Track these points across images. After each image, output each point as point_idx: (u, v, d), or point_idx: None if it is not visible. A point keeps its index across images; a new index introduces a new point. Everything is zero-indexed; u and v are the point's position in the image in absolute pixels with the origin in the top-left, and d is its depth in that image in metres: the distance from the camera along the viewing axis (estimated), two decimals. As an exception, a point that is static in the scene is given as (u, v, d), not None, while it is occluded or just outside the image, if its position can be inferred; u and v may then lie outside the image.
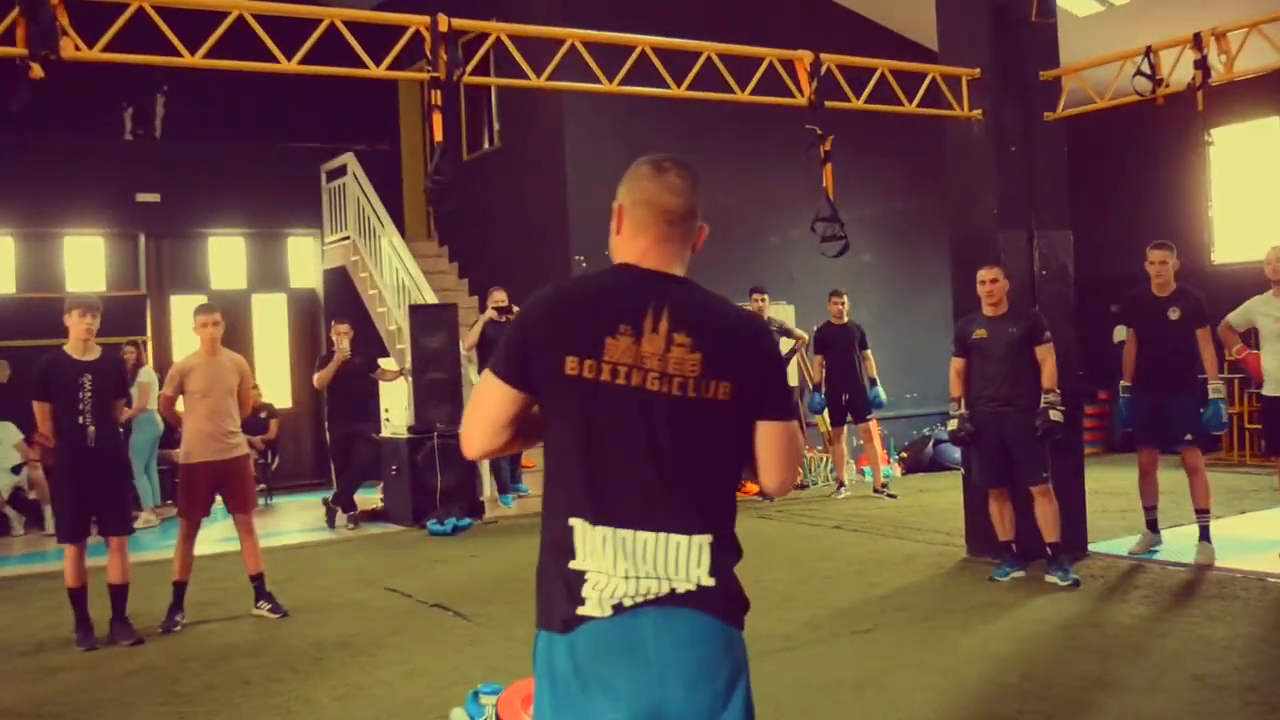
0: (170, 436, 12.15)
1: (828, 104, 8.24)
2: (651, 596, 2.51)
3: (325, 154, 15.81)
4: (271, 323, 16.31)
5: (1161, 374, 8.31)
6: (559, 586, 2.53)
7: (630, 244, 2.68)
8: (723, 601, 2.55)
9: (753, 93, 8.27)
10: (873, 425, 12.76)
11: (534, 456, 13.11)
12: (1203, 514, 8.30)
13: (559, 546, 2.55)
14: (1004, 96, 8.77)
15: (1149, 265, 8.39)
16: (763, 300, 12.27)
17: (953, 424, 8.10)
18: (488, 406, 2.61)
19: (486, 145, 15.43)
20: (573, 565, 2.53)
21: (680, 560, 2.53)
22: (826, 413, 12.82)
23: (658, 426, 2.52)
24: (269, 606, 7.92)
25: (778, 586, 8.11)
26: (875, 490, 12.46)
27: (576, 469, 2.55)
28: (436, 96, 6.92)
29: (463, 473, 11.84)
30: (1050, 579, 7.79)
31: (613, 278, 2.63)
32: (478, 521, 11.68)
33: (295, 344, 16.42)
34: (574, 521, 2.53)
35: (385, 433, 12.25)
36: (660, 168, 2.70)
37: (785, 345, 12.51)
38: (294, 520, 12.94)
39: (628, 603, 2.50)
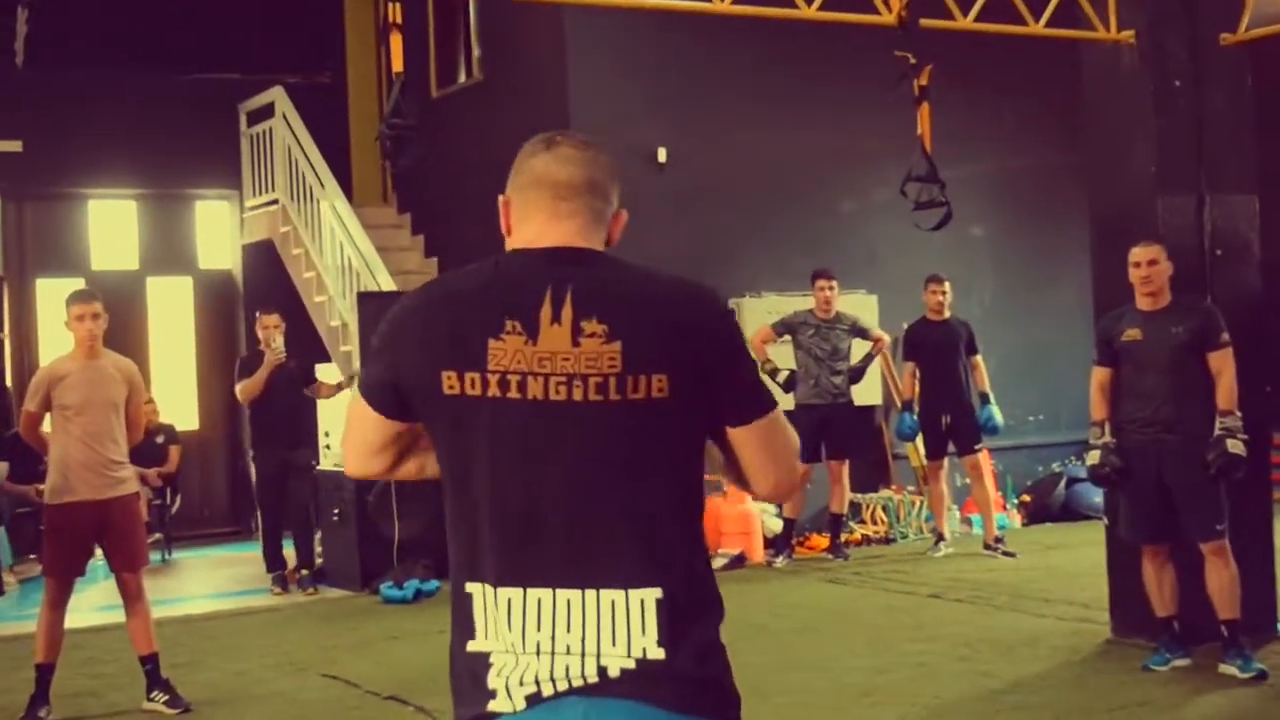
0: (29, 467, 12.17)
1: (924, 23, 8.22)
2: (577, 682, 2.51)
3: (245, 89, 15.86)
4: (172, 315, 16.39)
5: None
6: (464, 677, 2.62)
7: (519, 233, 2.77)
8: (684, 687, 2.53)
9: (822, 8, 8.24)
10: (983, 458, 12.74)
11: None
12: None
13: (459, 622, 2.64)
14: (1166, 12, 8.73)
15: None
16: (830, 288, 12.25)
17: (1093, 457, 8.05)
18: (359, 428, 2.78)
19: (462, 78, 15.45)
20: (472, 647, 2.60)
21: (616, 627, 2.52)
22: (920, 440, 12.79)
23: (570, 445, 2.56)
24: (165, 699, 7.89)
25: (854, 677, 8.08)
26: (986, 547, 12.42)
27: (469, 515, 2.62)
28: (395, 12, 6.93)
29: (429, 520, 11.81)
30: (1226, 669, 7.74)
31: (495, 265, 2.70)
32: (447, 584, 11.65)
33: (204, 344, 16.48)
34: (471, 587, 2.61)
35: (325, 464, 12.27)
36: (550, 141, 2.78)
37: (859, 350, 12.48)
38: (201, 582, 12.95)
39: (547, 690, 2.51)
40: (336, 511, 11.92)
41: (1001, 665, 8.27)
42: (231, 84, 15.97)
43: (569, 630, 2.51)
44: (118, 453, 7.81)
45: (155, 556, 12.39)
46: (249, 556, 12.92)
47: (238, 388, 11.78)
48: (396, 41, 6.97)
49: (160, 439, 14.10)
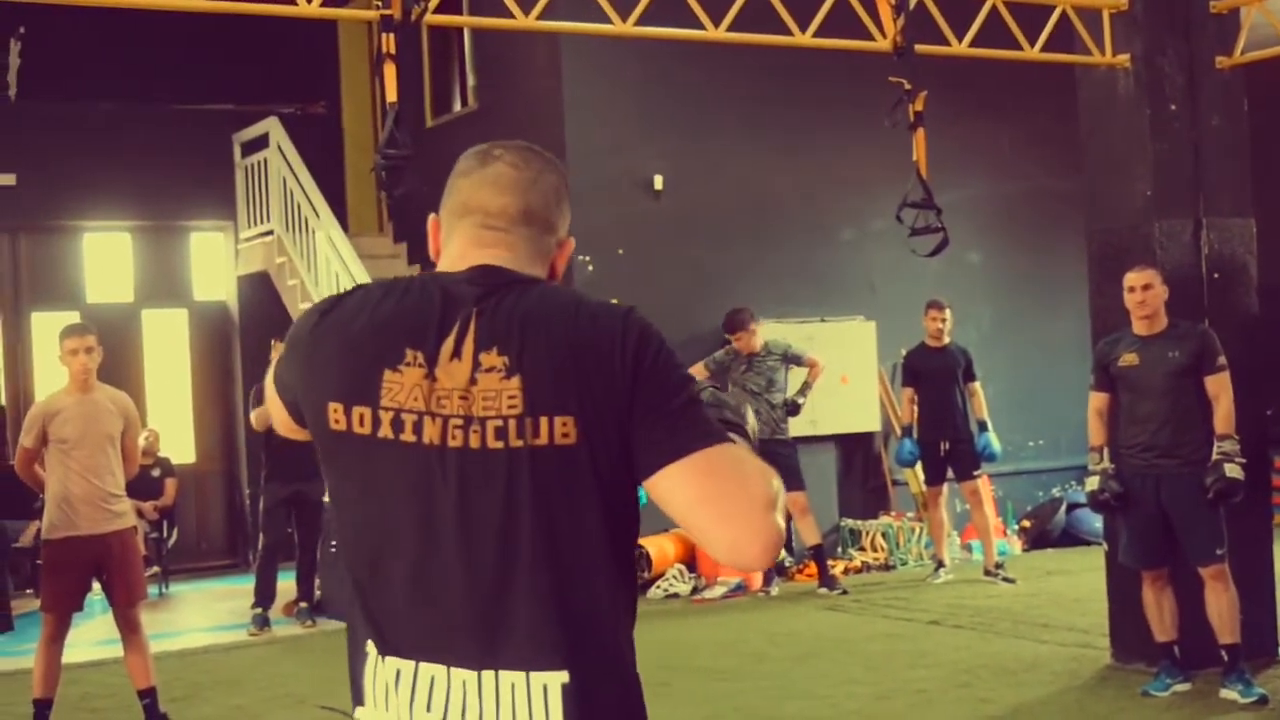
0: (23, 504, 12.14)
1: (919, 49, 8.24)
2: None
3: (240, 119, 15.90)
4: (168, 348, 16.38)
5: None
6: None
7: (444, 256, 2.49)
8: None
9: (817, 34, 8.28)
10: (981, 484, 12.74)
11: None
12: None
13: (352, 679, 2.37)
14: (1161, 36, 8.77)
15: None
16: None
17: (1092, 483, 8.08)
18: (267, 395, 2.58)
19: (458, 107, 15.50)
20: (359, 715, 2.34)
21: (516, 714, 2.23)
22: (919, 466, 12.79)
23: (465, 499, 2.26)
24: (163, 733, 7.90)
25: (854, 704, 8.08)
26: (986, 573, 12.42)
27: (359, 569, 2.34)
28: (389, 42, 6.95)
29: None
30: (1227, 694, 7.74)
31: (408, 288, 2.38)
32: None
33: (200, 376, 16.48)
34: (369, 647, 2.32)
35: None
36: (487, 157, 2.48)
37: (797, 379, 12.41)
38: (198, 615, 12.94)
39: None
40: (334, 543, 11.89)
41: (1002, 691, 8.28)
42: (226, 115, 16.00)
43: (464, 714, 2.23)
44: (115, 486, 7.82)
45: (152, 590, 12.38)
46: (246, 589, 12.88)
47: (251, 415, 11.73)
48: (390, 72, 6.99)
49: (156, 472, 14.08)
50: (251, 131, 15.69)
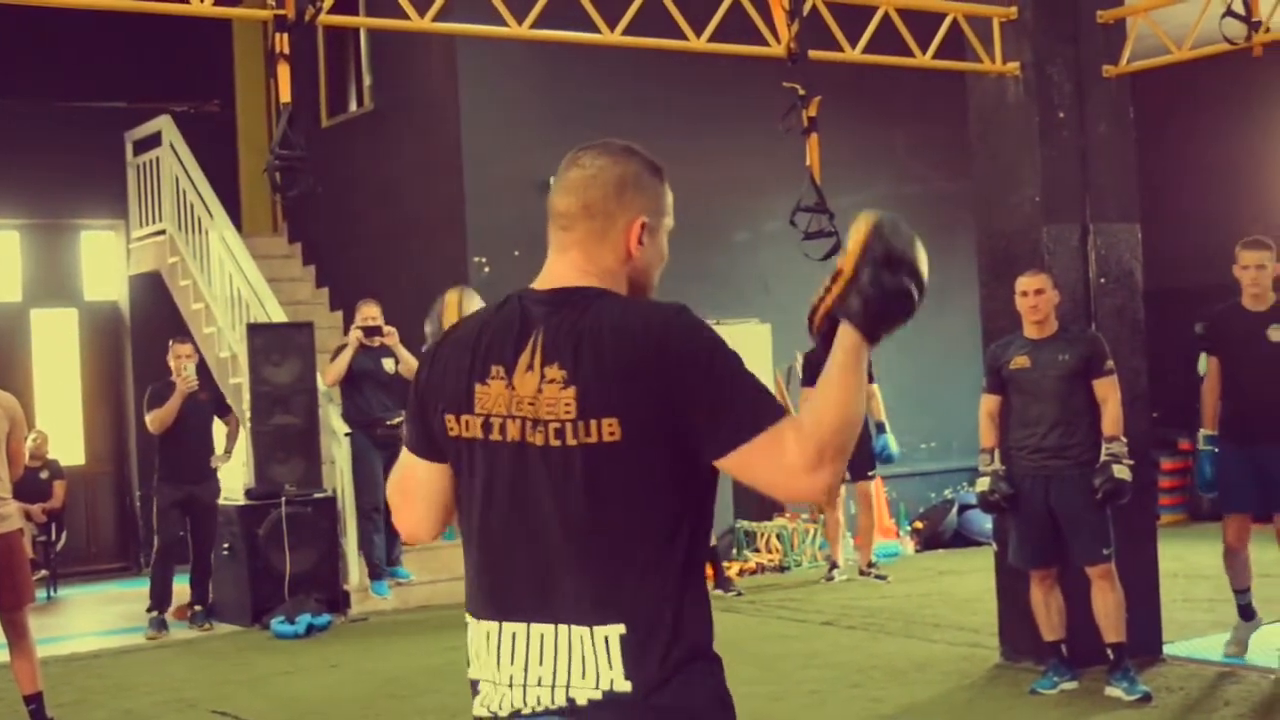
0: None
1: (812, 54, 8.30)
2: (542, 709, 2.69)
3: (132, 117, 15.70)
4: (57, 348, 16.15)
5: (1259, 416, 8.44)
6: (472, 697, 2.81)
7: (546, 264, 2.92)
8: (650, 716, 2.64)
9: (712, 39, 8.32)
10: (874, 485, 12.84)
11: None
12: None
13: (468, 649, 2.83)
14: (1051, 44, 8.88)
15: (1240, 270, 8.52)
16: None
17: (983, 483, 8.15)
18: (411, 483, 2.96)
19: (354, 107, 15.41)
20: (469, 673, 2.81)
21: (585, 661, 2.67)
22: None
23: (538, 487, 2.72)
24: (51, 738, 7.81)
25: (748, 704, 8.07)
26: (861, 571, 12.57)
27: (468, 550, 2.84)
28: (282, 42, 6.91)
29: (321, 553, 11.76)
30: (1112, 691, 7.85)
31: (500, 307, 2.86)
32: (340, 618, 11.62)
33: (91, 377, 16.26)
34: (468, 618, 2.82)
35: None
36: (569, 163, 2.91)
37: None
38: (87, 619, 12.78)
39: (526, 713, 2.71)
40: (227, 545, 11.81)
41: (893, 691, 8.35)
42: (118, 113, 15.79)
43: (541, 663, 2.68)
44: (0, 489, 7.72)
45: (40, 594, 12.21)
46: (137, 593, 12.76)
47: (148, 417, 11.61)
48: (284, 72, 6.94)
49: (45, 474, 13.90)
50: (144, 130, 15.51)
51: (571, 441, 2.67)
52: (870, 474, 12.61)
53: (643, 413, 2.66)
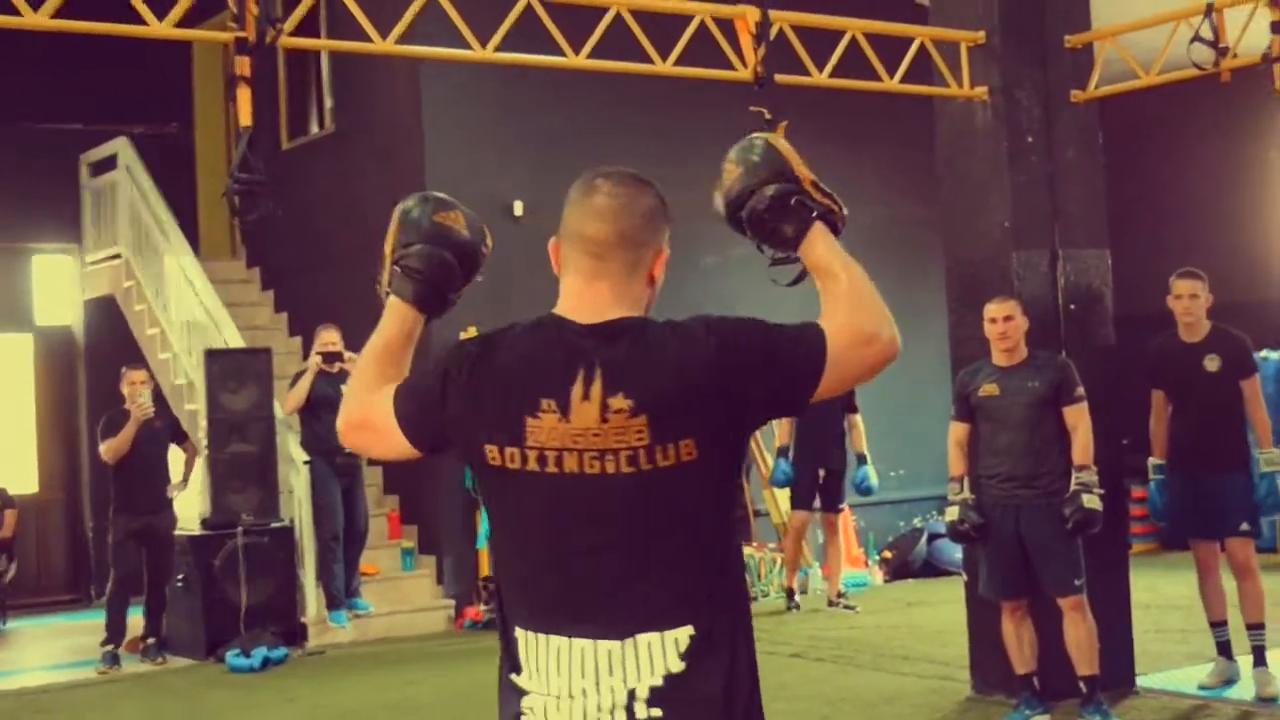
0: None
1: (779, 78, 8.32)
2: (608, 714, 2.80)
3: (88, 139, 15.66)
4: (10, 374, 16.09)
5: (1200, 445, 8.56)
6: (508, 706, 2.90)
7: (564, 287, 2.98)
8: (711, 706, 2.79)
9: (678, 62, 8.33)
10: (840, 518, 12.82)
11: (379, 562, 13.03)
12: (1256, 630, 8.56)
13: (506, 659, 2.92)
14: (1019, 69, 8.93)
15: (1174, 300, 8.64)
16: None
17: (952, 513, 8.16)
18: (379, 433, 3.05)
19: (315, 130, 15.40)
20: (515, 679, 2.90)
21: (654, 660, 2.80)
22: (787, 491, 12.81)
23: (606, 512, 2.82)
24: (1, 775, 7.76)
25: (715, 739, 8.09)
26: (830, 602, 12.56)
27: (518, 569, 2.92)
28: (243, 65, 6.90)
29: (277, 584, 11.71)
30: (1085, 725, 7.87)
31: (537, 335, 2.92)
32: (297, 651, 11.57)
33: (44, 404, 16.19)
34: (519, 632, 2.89)
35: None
36: (589, 187, 2.97)
37: None
38: (38, 652, 12.70)
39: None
40: (181, 577, 11.74)
41: (863, 724, 8.35)
42: (74, 134, 15.76)
43: (611, 674, 2.79)
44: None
45: (-9, 626, 12.14)
46: (89, 625, 12.69)
47: (102, 446, 11.54)
48: (245, 95, 6.92)
49: (-4, 504, 13.84)
50: (100, 152, 15.47)
51: (646, 466, 2.79)
52: (841, 506, 12.62)
53: (716, 424, 2.82)
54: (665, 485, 2.80)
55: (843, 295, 3.00)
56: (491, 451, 2.86)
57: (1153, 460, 8.77)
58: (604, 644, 2.80)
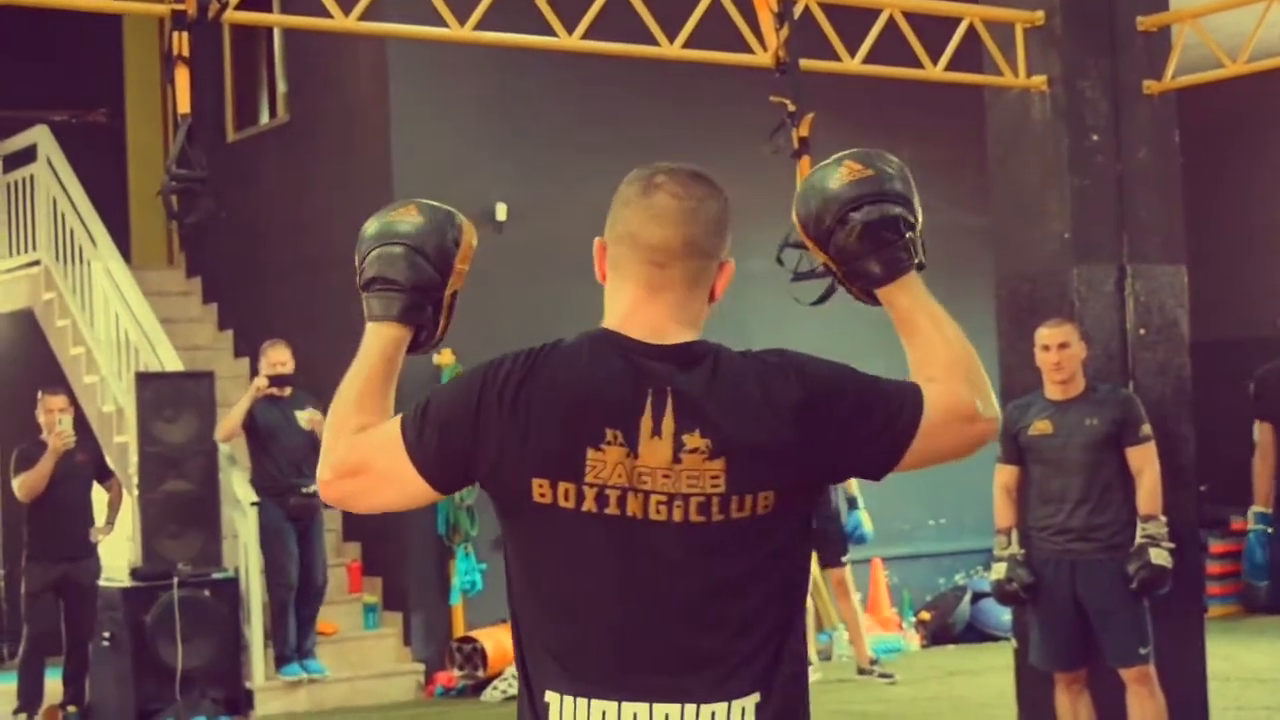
0: None
1: (804, 65, 8.34)
2: None
3: (2, 127, 15.67)
4: (-90, 398, 16.07)
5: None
6: None
7: (615, 299, 2.97)
8: None
9: (687, 45, 8.35)
10: (846, 571, 12.78)
11: (337, 620, 13.01)
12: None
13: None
14: (1083, 56, 8.94)
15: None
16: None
17: (998, 570, 8.15)
18: (387, 480, 2.92)
19: (265, 119, 15.41)
20: None
21: None
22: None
23: (669, 563, 2.80)
24: None
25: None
26: (861, 671, 12.52)
27: (557, 624, 2.85)
28: (181, 42, 6.91)
29: (219, 644, 11.67)
30: (1152, 817, 7.84)
31: (594, 355, 2.87)
32: (239, 722, 11.56)
33: (-52, 433, 16.18)
34: (551, 696, 2.83)
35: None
36: (649, 185, 2.94)
37: None
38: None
39: None
40: (107, 635, 11.71)
41: (894, 814, 8.33)
42: (-15, 122, 15.81)
43: None
44: None
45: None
46: (0, 690, 12.68)
47: (15, 482, 11.53)
48: (183, 77, 6.91)
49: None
50: (16, 142, 15.43)
51: (718, 517, 2.78)
52: (843, 560, 12.54)
53: (798, 477, 2.85)
54: (738, 540, 2.80)
55: (939, 356, 3.05)
56: (541, 487, 2.79)
57: (1255, 509, 8.71)
58: (661, 708, 2.78)
